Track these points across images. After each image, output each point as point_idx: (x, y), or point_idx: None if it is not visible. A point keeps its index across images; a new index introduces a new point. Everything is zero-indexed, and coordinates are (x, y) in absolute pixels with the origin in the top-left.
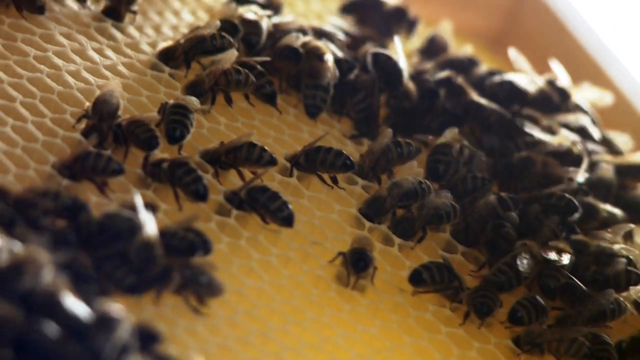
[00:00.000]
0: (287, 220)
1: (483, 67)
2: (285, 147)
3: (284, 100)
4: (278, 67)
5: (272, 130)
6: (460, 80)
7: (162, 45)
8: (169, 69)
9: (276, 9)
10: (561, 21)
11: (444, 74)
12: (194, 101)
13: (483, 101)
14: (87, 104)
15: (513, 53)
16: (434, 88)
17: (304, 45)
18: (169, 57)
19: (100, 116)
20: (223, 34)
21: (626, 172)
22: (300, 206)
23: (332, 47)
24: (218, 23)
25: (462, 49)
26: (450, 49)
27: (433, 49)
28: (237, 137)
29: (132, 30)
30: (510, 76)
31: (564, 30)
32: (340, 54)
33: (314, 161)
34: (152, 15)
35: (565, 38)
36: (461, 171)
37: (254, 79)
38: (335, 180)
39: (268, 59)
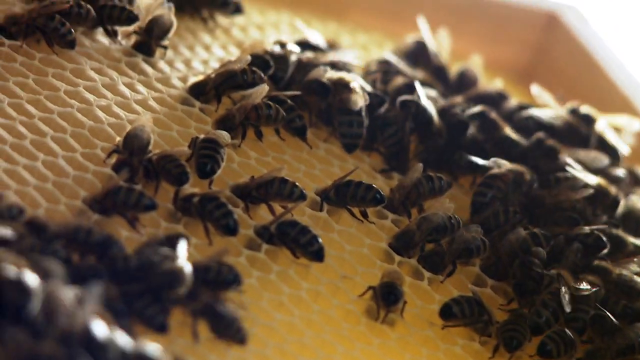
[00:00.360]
0: (318, 254)
1: (513, 101)
2: (316, 181)
3: (314, 135)
4: (307, 101)
5: (303, 165)
6: (493, 114)
7: (193, 79)
8: (199, 104)
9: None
10: (590, 55)
11: (477, 108)
12: (224, 135)
13: (515, 136)
14: (118, 138)
15: (536, 89)
16: (465, 121)
17: (330, 78)
18: (199, 91)
19: (131, 151)
20: (254, 68)
21: None
22: (330, 240)
23: (361, 81)
24: (249, 58)
25: (492, 83)
26: (480, 83)
27: (463, 83)
28: (268, 172)
29: (162, 64)
30: (536, 111)
31: (593, 63)
32: (369, 87)
33: (344, 195)
34: (182, 50)
35: (595, 72)
36: (494, 204)
37: (284, 114)
38: (365, 214)
39: (298, 93)
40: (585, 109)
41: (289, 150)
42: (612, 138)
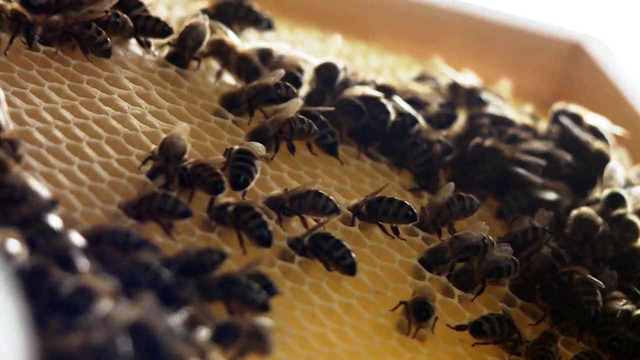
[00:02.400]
0: (350, 268)
1: (542, 126)
2: (347, 196)
3: (345, 151)
4: (339, 120)
5: (334, 180)
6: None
7: (226, 91)
8: (232, 116)
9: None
10: (615, 85)
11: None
12: (259, 147)
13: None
14: (153, 146)
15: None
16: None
17: (363, 97)
18: (232, 103)
19: (167, 158)
20: (287, 83)
21: None
22: (361, 255)
23: (398, 99)
24: (282, 72)
25: (521, 109)
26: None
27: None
28: (303, 184)
29: (195, 76)
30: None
31: (617, 94)
32: (404, 106)
33: (376, 211)
34: (214, 63)
35: (619, 102)
36: (524, 222)
37: (316, 129)
38: (396, 231)
39: (331, 109)
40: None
41: (321, 165)
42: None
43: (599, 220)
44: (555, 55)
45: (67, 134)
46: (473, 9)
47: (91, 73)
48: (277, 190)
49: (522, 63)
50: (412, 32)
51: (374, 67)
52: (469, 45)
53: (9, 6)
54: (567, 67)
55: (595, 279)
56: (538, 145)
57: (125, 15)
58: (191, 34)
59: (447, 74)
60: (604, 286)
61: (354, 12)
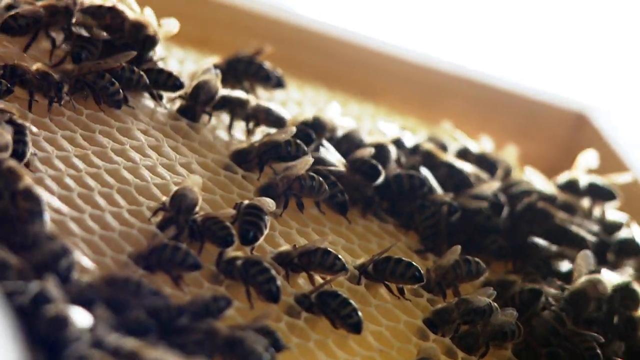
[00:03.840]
0: (356, 327)
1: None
2: (354, 255)
3: (351, 211)
4: (350, 179)
5: (342, 239)
6: (542, 204)
7: (237, 146)
8: (242, 171)
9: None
10: (618, 157)
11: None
12: (269, 203)
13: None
14: (165, 198)
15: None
16: (501, 203)
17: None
18: (242, 159)
19: (179, 210)
20: (298, 141)
21: None
22: (367, 314)
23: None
24: (294, 130)
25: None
26: (513, 174)
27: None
28: (312, 241)
29: (206, 131)
30: None
31: (621, 166)
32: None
33: (383, 271)
34: (225, 118)
35: (622, 172)
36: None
37: (327, 188)
38: (402, 291)
39: (342, 169)
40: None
41: (329, 223)
42: None
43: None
44: (560, 124)
45: (79, 183)
46: (479, 75)
47: (103, 123)
48: (285, 247)
49: (526, 130)
50: (417, 96)
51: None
52: (474, 110)
53: (33, 67)
54: (571, 137)
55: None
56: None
57: (140, 71)
58: (203, 88)
59: (457, 138)
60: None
61: (362, 73)
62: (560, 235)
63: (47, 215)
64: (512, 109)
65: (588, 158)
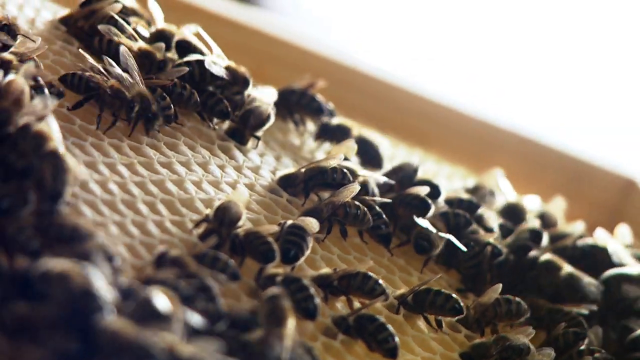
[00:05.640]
0: (392, 352)
1: None
2: (395, 286)
3: (394, 243)
4: (399, 213)
5: (383, 269)
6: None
7: (284, 171)
8: (287, 195)
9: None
10: None
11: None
12: (313, 224)
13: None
14: (208, 210)
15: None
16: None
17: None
18: (288, 183)
19: (222, 221)
20: (345, 169)
21: None
22: (404, 342)
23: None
24: (342, 157)
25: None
26: (559, 225)
27: (543, 223)
28: (353, 265)
29: (253, 154)
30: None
31: None
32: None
33: (422, 302)
34: (273, 145)
35: None
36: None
37: (370, 218)
38: (440, 324)
39: (389, 200)
40: None
41: (371, 253)
42: None
43: None
44: (608, 188)
45: (123, 189)
46: (530, 131)
47: (152, 136)
48: (326, 269)
49: (573, 191)
50: (467, 147)
51: (431, 174)
52: (522, 167)
53: (109, 82)
54: (619, 202)
55: None
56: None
57: (191, 89)
58: (255, 112)
59: (504, 191)
60: None
61: (413, 120)
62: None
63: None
64: (561, 168)
65: (624, 233)
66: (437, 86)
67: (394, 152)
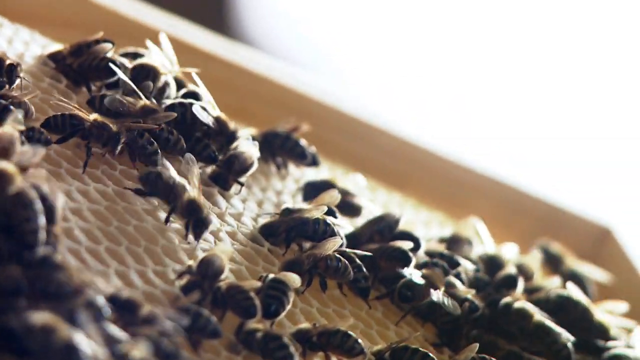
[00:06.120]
0: None
1: None
2: (372, 341)
3: (372, 295)
4: (380, 265)
5: (361, 323)
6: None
7: (265, 220)
8: (268, 245)
9: None
10: (635, 269)
11: None
12: (294, 279)
13: None
14: (191, 262)
15: None
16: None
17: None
18: (270, 232)
19: (205, 275)
20: (328, 220)
21: None
22: None
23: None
24: (325, 208)
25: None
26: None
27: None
28: (333, 323)
29: (236, 200)
30: None
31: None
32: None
33: (399, 359)
34: (255, 190)
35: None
36: None
37: (351, 271)
38: None
39: (369, 254)
40: None
41: (349, 306)
42: None
43: None
44: (584, 235)
45: (108, 237)
46: (508, 177)
47: (136, 181)
48: (305, 324)
49: (549, 237)
50: (444, 190)
51: (406, 220)
52: (499, 212)
53: (91, 116)
54: (593, 249)
55: None
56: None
57: (178, 134)
58: (239, 157)
59: (482, 241)
60: None
61: (390, 162)
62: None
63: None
64: (538, 214)
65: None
66: (419, 129)
67: (373, 196)
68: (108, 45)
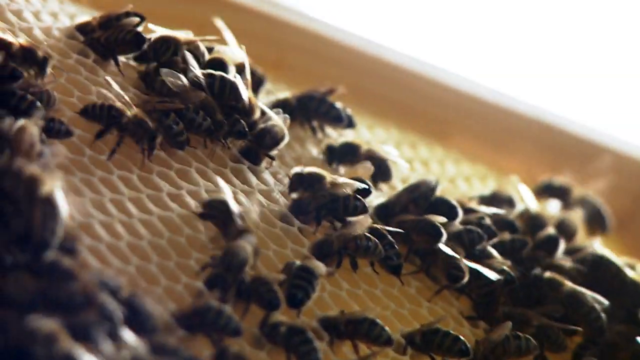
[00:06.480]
0: None
1: None
2: (403, 322)
3: (406, 269)
4: (412, 238)
5: (392, 302)
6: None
7: (295, 196)
8: (298, 223)
9: None
10: None
11: None
12: (320, 267)
13: None
14: (215, 252)
15: None
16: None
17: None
18: (300, 210)
19: (228, 267)
20: (358, 197)
21: None
22: None
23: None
24: (355, 185)
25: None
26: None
27: (563, 231)
28: (360, 310)
29: (267, 175)
30: None
31: None
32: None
33: (430, 342)
34: (288, 160)
35: None
36: None
37: (382, 249)
38: None
39: (400, 230)
40: None
41: (381, 285)
42: None
43: None
44: (633, 176)
45: (130, 230)
46: (553, 118)
47: (162, 164)
48: (333, 311)
49: (597, 180)
50: (488, 136)
51: (449, 177)
52: (544, 155)
53: (129, 112)
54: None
55: None
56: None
57: (207, 117)
58: (270, 131)
59: (524, 199)
60: None
61: (433, 109)
62: None
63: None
64: (585, 157)
65: None
66: (459, 72)
67: (414, 153)
68: (135, 19)
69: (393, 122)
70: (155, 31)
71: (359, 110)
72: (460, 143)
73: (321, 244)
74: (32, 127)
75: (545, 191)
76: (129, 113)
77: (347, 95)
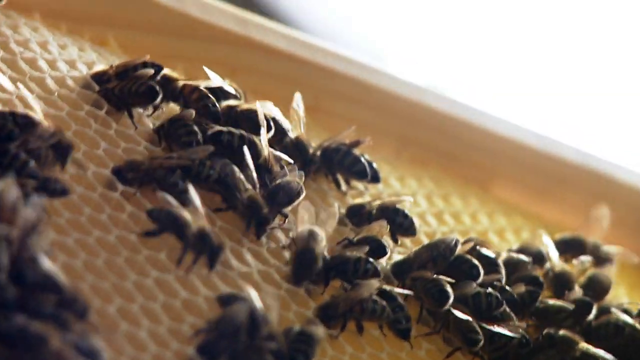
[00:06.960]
0: None
1: None
2: None
3: (417, 330)
4: (423, 299)
5: None
6: None
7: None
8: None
9: None
10: None
11: None
12: (320, 331)
13: None
14: (211, 317)
15: None
16: None
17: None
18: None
19: (223, 334)
20: (370, 259)
21: None
22: None
23: None
24: (367, 248)
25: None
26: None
27: (594, 289)
28: None
29: (278, 232)
30: None
31: None
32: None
33: None
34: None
35: None
36: None
37: (390, 313)
38: None
39: (410, 292)
40: None
41: (388, 347)
42: None
43: None
44: None
45: (121, 293)
46: (600, 165)
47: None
48: None
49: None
50: (530, 185)
51: (479, 230)
52: (586, 203)
53: (194, 226)
54: None
55: None
56: None
57: (210, 166)
58: (284, 188)
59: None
60: None
61: (476, 155)
62: None
63: None
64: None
65: None
66: (500, 117)
67: (444, 205)
68: (150, 71)
69: (432, 169)
70: (209, 78)
71: (394, 156)
72: (499, 192)
73: (326, 307)
74: (9, 189)
75: (570, 248)
76: (194, 228)
77: (385, 137)
